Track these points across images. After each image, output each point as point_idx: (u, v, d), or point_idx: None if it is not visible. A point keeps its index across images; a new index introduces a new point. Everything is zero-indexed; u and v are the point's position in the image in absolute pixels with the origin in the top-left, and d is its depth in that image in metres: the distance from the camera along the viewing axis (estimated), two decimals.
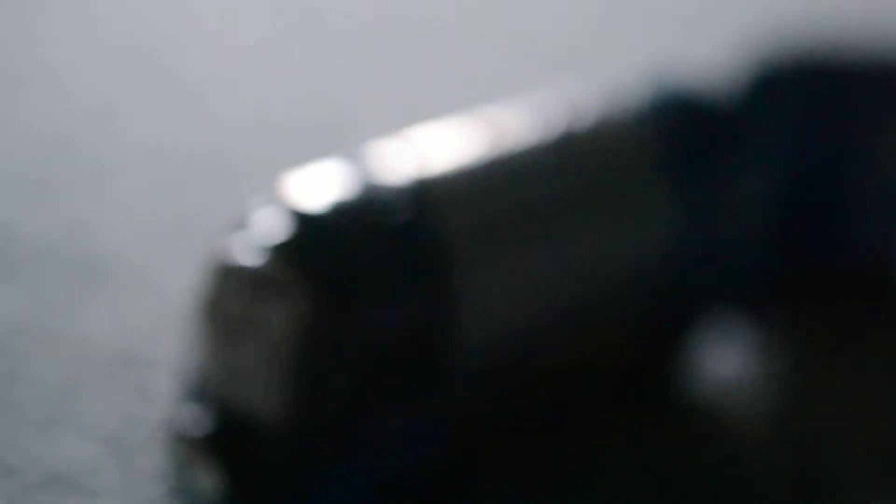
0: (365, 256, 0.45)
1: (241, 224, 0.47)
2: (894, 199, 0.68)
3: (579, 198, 0.52)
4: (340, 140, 0.79)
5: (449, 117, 0.51)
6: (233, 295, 0.45)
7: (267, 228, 0.46)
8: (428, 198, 0.47)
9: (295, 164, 0.74)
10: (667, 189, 0.55)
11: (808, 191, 0.65)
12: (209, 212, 0.70)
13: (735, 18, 0.97)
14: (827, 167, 0.64)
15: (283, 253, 0.45)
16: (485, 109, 0.53)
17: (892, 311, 0.70)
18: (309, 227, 0.45)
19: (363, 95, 0.87)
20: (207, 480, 0.45)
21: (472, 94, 0.83)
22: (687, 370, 0.60)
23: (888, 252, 0.70)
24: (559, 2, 1.03)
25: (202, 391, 0.46)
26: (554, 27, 0.99)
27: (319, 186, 0.47)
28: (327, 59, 0.91)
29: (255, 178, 0.74)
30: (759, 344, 0.64)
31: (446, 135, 0.51)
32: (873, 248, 0.68)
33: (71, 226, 0.67)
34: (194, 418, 0.46)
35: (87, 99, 0.82)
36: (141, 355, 0.58)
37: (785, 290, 0.67)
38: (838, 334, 0.66)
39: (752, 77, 0.65)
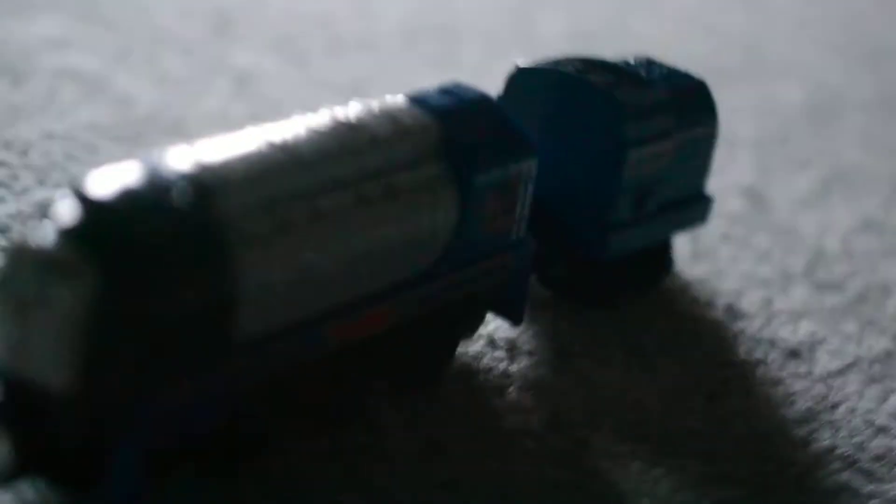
0: (148, 238, 0.48)
1: (39, 212, 0.49)
2: (664, 203, 0.71)
3: (356, 181, 0.55)
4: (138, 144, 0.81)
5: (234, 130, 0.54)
6: (24, 275, 0.47)
7: (61, 214, 0.48)
8: (208, 182, 0.50)
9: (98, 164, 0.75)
10: (444, 173, 0.58)
11: (572, 184, 0.68)
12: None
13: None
14: (590, 164, 0.67)
15: (72, 235, 0.47)
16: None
17: (656, 299, 0.74)
18: (96, 212, 0.48)
19: (162, 101, 0.89)
20: None
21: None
22: (458, 352, 0.63)
23: (659, 248, 0.74)
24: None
25: None
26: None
27: (111, 178, 0.49)
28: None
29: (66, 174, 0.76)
30: (528, 328, 0.67)
31: (232, 135, 0.54)
32: (640, 244, 0.71)
33: None
34: None
35: None
36: None
37: (551, 280, 0.71)
38: (605, 315, 0.70)
39: (507, 78, 0.68)
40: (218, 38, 1.03)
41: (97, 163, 0.77)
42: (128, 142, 0.81)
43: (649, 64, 0.73)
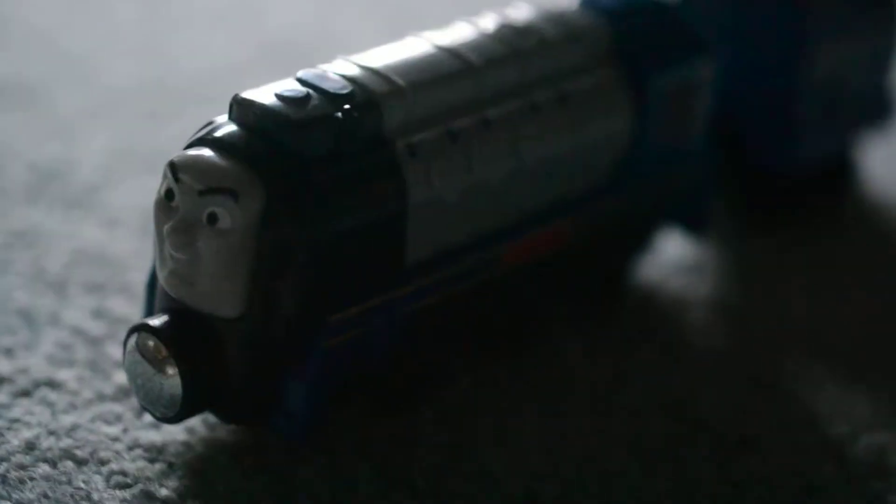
0: (316, 154, 0.45)
1: (199, 130, 0.47)
2: (848, 104, 0.67)
3: (527, 87, 0.52)
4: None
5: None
6: (189, 195, 0.45)
7: (220, 131, 0.46)
8: (375, 92, 0.47)
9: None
10: (618, 78, 0.55)
11: (754, 91, 0.64)
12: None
13: None
14: (772, 68, 0.64)
15: (238, 154, 0.45)
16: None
17: (845, 215, 0.70)
18: (261, 129, 0.45)
19: (332, 25, 0.87)
20: (167, 381, 0.45)
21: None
22: (640, 262, 0.60)
23: (844, 157, 0.70)
24: None
25: (161, 292, 0.47)
26: None
27: (274, 93, 0.47)
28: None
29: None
30: (706, 237, 0.63)
31: (397, 42, 0.51)
32: (827, 153, 0.68)
33: (58, 159, 0.67)
34: (154, 319, 0.46)
35: (63, 39, 0.81)
36: (115, 261, 0.59)
37: (732, 188, 0.67)
38: (789, 234, 0.66)
39: None
40: None
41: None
42: None
43: None
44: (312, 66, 0.54)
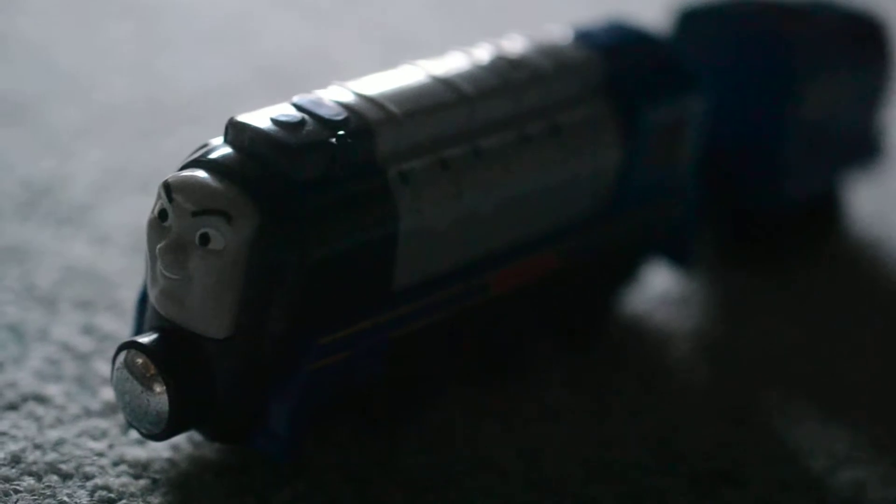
0: (310, 178, 0.46)
1: (194, 152, 0.48)
2: (836, 144, 0.68)
3: (519, 119, 0.52)
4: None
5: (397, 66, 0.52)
6: (183, 216, 0.45)
7: (214, 153, 0.47)
8: (370, 119, 0.48)
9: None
10: (609, 112, 0.55)
11: (742, 129, 0.65)
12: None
13: None
14: (760, 106, 0.64)
15: (228, 173, 0.45)
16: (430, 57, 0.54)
17: (829, 252, 0.70)
18: (253, 148, 0.46)
19: (328, 50, 0.87)
20: (154, 398, 0.46)
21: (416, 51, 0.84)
22: (626, 293, 0.61)
23: (831, 195, 0.71)
24: None
25: (151, 310, 0.47)
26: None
27: (269, 117, 0.47)
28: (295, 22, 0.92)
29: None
30: (691, 270, 0.64)
31: (393, 71, 0.52)
32: (813, 192, 0.68)
33: (51, 175, 0.68)
34: (144, 337, 0.46)
35: (57, 55, 0.82)
36: (105, 278, 0.59)
37: (719, 224, 0.68)
38: (773, 269, 0.67)
39: (677, 15, 0.65)
40: None
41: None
42: None
43: (822, 2, 0.70)
44: (305, 89, 0.55)
